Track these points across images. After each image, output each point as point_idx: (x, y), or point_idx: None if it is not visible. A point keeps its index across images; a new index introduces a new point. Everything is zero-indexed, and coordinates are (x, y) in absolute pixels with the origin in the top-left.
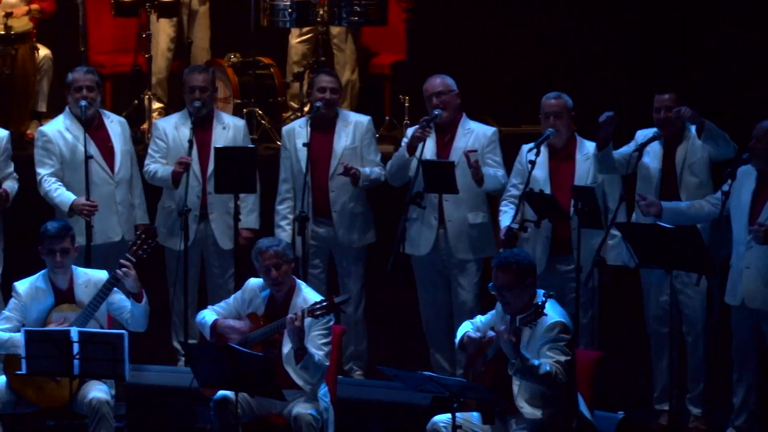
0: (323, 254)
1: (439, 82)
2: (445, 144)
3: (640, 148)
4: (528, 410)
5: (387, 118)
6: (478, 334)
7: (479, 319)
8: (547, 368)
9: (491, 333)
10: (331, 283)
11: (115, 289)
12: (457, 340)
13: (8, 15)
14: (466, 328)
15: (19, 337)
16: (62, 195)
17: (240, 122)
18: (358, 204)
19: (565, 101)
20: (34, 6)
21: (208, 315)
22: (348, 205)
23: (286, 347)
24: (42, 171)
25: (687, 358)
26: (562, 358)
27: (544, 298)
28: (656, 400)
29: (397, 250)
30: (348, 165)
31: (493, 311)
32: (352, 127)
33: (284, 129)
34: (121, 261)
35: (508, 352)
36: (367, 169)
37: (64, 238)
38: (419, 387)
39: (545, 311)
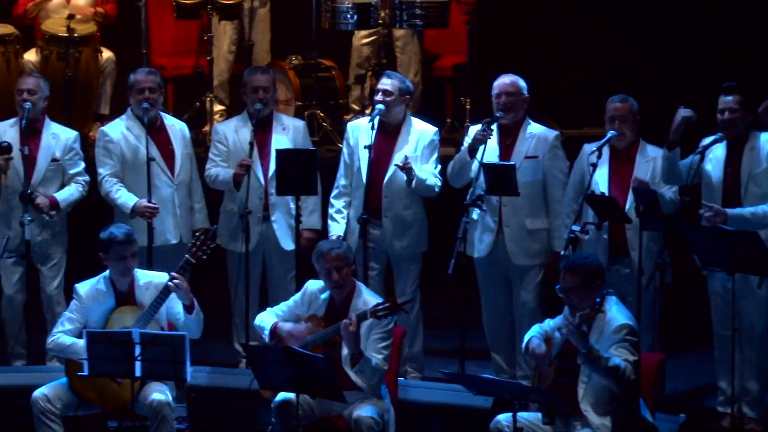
0: (380, 256)
1: (509, 82)
2: (507, 146)
3: (702, 151)
4: (592, 413)
5: (448, 120)
6: (543, 348)
7: (548, 322)
8: (616, 361)
9: (557, 334)
10: (389, 285)
11: (173, 294)
12: (523, 343)
13: (71, 17)
14: (533, 332)
15: (81, 344)
16: (124, 197)
17: (299, 123)
18: (412, 211)
19: (631, 105)
20: (99, 9)
21: (267, 319)
22: (401, 212)
23: (346, 349)
24: (103, 171)
25: (748, 361)
26: (631, 358)
27: (603, 293)
28: (719, 403)
29: (458, 252)
30: (406, 159)
31: (560, 315)
32: (417, 136)
33: (349, 125)
34: (172, 274)
35: (575, 341)
36: (423, 174)
37: (132, 244)
38: (480, 389)
39: (613, 314)
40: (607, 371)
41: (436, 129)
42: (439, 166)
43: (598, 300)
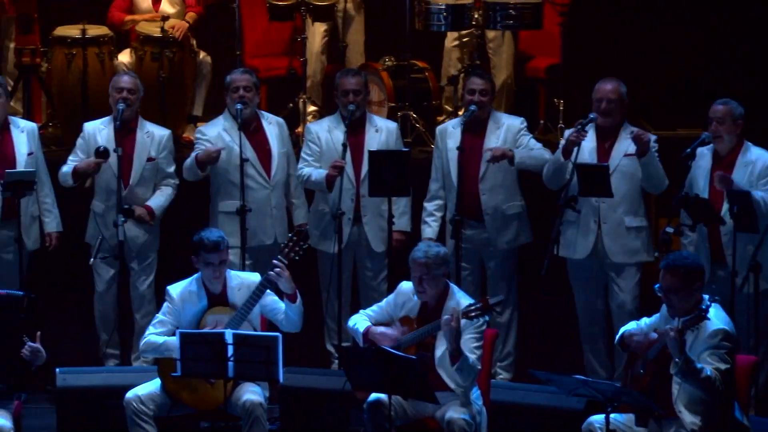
0: (473, 257)
1: (611, 88)
2: (606, 149)
3: None
4: (686, 415)
5: (542, 122)
6: (640, 338)
7: (644, 320)
8: (708, 373)
9: (653, 335)
10: (481, 286)
11: (268, 291)
12: (617, 337)
13: (165, 19)
14: (629, 328)
15: (173, 340)
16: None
17: (392, 125)
18: (512, 204)
19: (731, 108)
20: (189, 14)
21: (360, 322)
22: (501, 206)
23: (440, 350)
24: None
25: None
26: (722, 366)
27: (709, 303)
28: None
29: (552, 253)
30: (494, 151)
31: (657, 314)
32: (504, 129)
33: (438, 129)
34: (274, 262)
35: (673, 350)
36: (525, 151)
37: (222, 251)
38: (573, 391)
39: (710, 317)
40: (699, 383)
41: (522, 118)
42: (539, 144)
43: (703, 307)
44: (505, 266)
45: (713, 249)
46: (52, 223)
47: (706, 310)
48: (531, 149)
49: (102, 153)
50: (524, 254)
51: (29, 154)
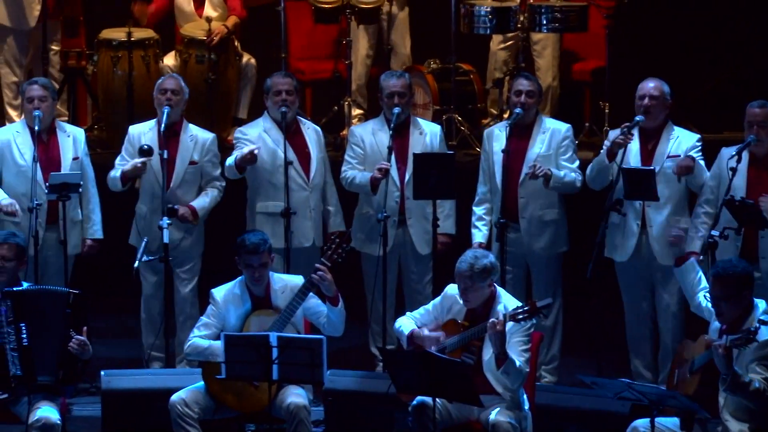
0: (518, 260)
1: (654, 85)
2: (649, 151)
3: None
4: (732, 424)
5: (587, 124)
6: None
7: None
8: (756, 385)
9: (713, 338)
10: (526, 289)
11: (311, 294)
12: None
13: (210, 21)
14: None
15: (218, 345)
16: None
17: (436, 128)
18: (550, 211)
19: None
20: (231, 18)
21: (406, 324)
22: (538, 212)
23: (487, 353)
24: (228, 160)
25: None
26: None
27: (757, 324)
28: None
29: (597, 256)
30: (535, 166)
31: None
32: (549, 134)
33: (485, 131)
34: (317, 265)
35: (720, 366)
36: (562, 172)
37: (263, 253)
38: (618, 394)
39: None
40: (748, 396)
41: (568, 125)
42: (578, 161)
43: (753, 329)
44: (549, 270)
45: (748, 249)
46: (91, 230)
47: (756, 332)
48: (563, 176)
49: (146, 151)
50: (569, 258)
51: (74, 158)
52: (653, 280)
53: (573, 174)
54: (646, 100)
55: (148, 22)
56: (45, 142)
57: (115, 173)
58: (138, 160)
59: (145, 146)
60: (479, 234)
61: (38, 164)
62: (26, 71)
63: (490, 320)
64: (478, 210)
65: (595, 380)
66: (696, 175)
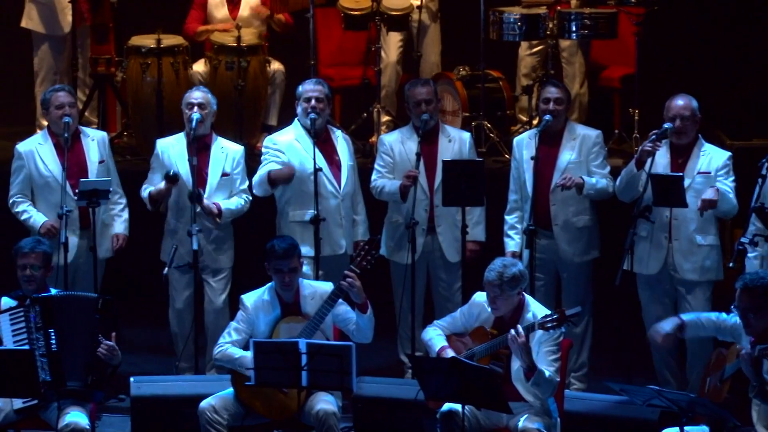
0: (548, 267)
1: (683, 104)
2: (680, 165)
3: None
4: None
5: (616, 131)
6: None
7: (714, 315)
8: None
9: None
10: (555, 296)
11: (340, 300)
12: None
13: (239, 27)
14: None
15: (248, 357)
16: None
17: (465, 135)
18: (583, 218)
19: None
20: (279, 16)
21: (436, 338)
22: (571, 219)
23: (516, 363)
24: (258, 173)
25: None
26: None
27: None
28: None
29: (625, 264)
30: (566, 178)
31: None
32: (579, 140)
33: (515, 139)
34: (346, 272)
35: (749, 375)
36: (593, 179)
37: (292, 258)
38: (647, 401)
39: None
40: None
41: (599, 131)
42: (608, 167)
43: None
44: (580, 277)
45: None
46: (120, 227)
47: None
48: (596, 182)
49: (172, 178)
50: (597, 265)
51: (100, 161)
52: (678, 294)
53: (604, 180)
54: (678, 122)
55: (189, 32)
56: (71, 149)
57: (145, 195)
58: (163, 186)
59: (171, 172)
60: (512, 243)
61: (65, 171)
62: (61, 78)
63: (510, 333)
64: (510, 219)
65: (624, 387)
66: (720, 205)
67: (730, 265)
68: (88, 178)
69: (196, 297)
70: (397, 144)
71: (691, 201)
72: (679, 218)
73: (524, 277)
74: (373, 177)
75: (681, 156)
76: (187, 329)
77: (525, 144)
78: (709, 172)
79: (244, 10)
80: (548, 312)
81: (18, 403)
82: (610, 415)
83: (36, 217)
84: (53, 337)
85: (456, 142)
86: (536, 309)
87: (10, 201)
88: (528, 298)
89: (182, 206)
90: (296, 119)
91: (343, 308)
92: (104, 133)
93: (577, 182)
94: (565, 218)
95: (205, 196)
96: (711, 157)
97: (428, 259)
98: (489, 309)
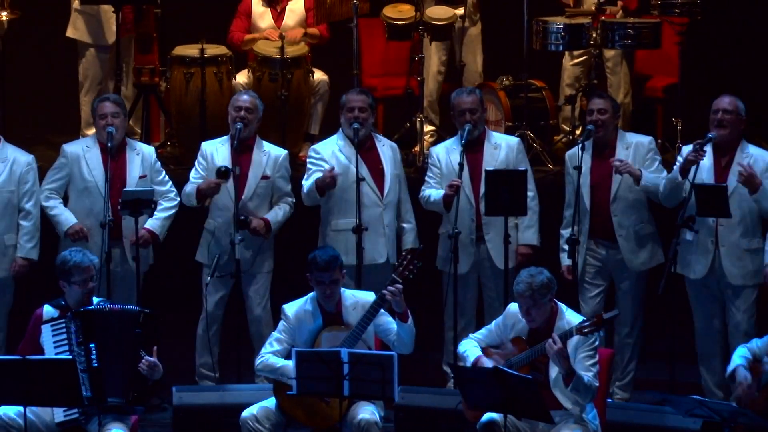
0: (604, 276)
1: (728, 100)
2: (723, 167)
3: None
4: None
5: (659, 141)
6: (749, 379)
7: (755, 343)
8: None
9: (767, 360)
10: (609, 306)
11: (382, 311)
12: (729, 368)
13: (282, 38)
14: (740, 355)
15: (290, 366)
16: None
17: (513, 141)
18: (645, 225)
19: None
20: (312, 30)
21: (471, 350)
22: (635, 227)
23: (554, 371)
24: (306, 184)
25: None
26: None
27: None
28: None
29: (669, 272)
30: (623, 162)
31: None
32: (633, 149)
33: (567, 154)
34: (389, 282)
35: None
36: (650, 175)
37: (334, 270)
38: (689, 411)
39: None
40: None
41: (650, 138)
42: (665, 171)
43: None
44: (638, 287)
45: None
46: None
47: None
48: (657, 176)
49: (223, 173)
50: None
51: (141, 176)
52: (724, 297)
53: (661, 180)
54: (720, 114)
55: (235, 41)
56: (115, 159)
57: (191, 189)
58: (213, 180)
59: (223, 168)
60: (566, 256)
61: (109, 181)
62: (105, 88)
63: (547, 342)
64: (566, 233)
65: (666, 397)
66: (762, 199)
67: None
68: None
69: (230, 302)
70: (444, 154)
71: (734, 204)
72: (725, 224)
73: (553, 282)
74: (423, 188)
75: (724, 157)
76: (213, 334)
77: (573, 157)
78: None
79: (288, 19)
80: (582, 318)
81: (59, 417)
82: (652, 425)
83: (66, 215)
84: (94, 353)
85: (503, 148)
86: (570, 316)
87: (43, 194)
88: (561, 305)
89: (222, 207)
90: (340, 129)
91: (384, 319)
92: (152, 148)
93: (633, 170)
94: (629, 226)
95: (244, 196)
96: (755, 160)
97: (478, 269)
98: (523, 319)
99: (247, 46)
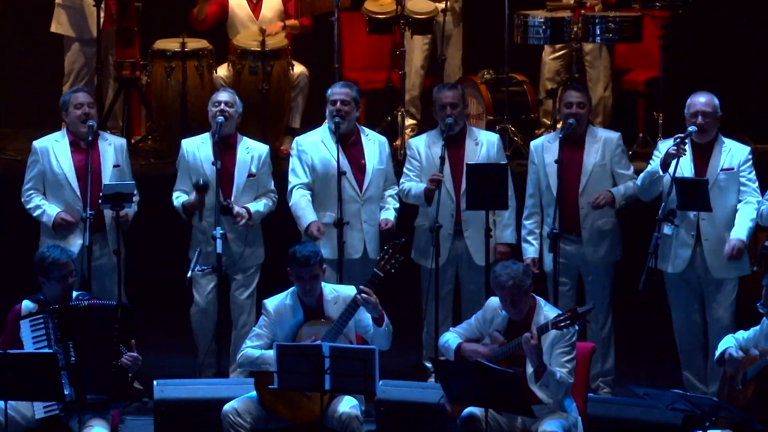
0: (571, 271)
1: (705, 101)
2: (702, 164)
3: None
4: None
5: (640, 135)
6: (741, 354)
7: (741, 335)
8: None
9: (754, 351)
10: (580, 301)
11: (361, 307)
12: (717, 353)
13: (263, 31)
14: (728, 343)
15: (270, 354)
16: (306, 210)
17: (493, 137)
18: (608, 221)
19: None
20: (291, 21)
21: (452, 339)
22: (597, 222)
23: (530, 366)
24: (293, 180)
25: None
26: None
27: None
28: None
29: (650, 266)
30: (597, 196)
31: (756, 327)
32: (602, 143)
33: (532, 144)
34: (361, 287)
35: None
36: (621, 188)
37: (313, 265)
38: (670, 405)
39: None
40: None
41: (618, 133)
42: (632, 167)
43: None
44: (604, 280)
45: None
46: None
47: None
48: (625, 178)
49: (201, 187)
50: (621, 269)
51: (115, 166)
52: (705, 292)
53: (631, 183)
54: (700, 119)
55: (204, 21)
56: (87, 151)
57: (177, 204)
58: (194, 198)
59: (201, 182)
60: (531, 249)
61: (77, 173)
62: (89, 81)
63: (525, 335)
64: (529, 224)
65: (647, 391)
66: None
67: (754, 268)
68: (101, 181)
69: (219, 297)
70: (424, 148)
71: (714, 198)
72: (707, 218)
73: (529, 269)
74: (401, 180)
75: (703, 155)
76: (208, 329)
77: (544, 148)
78: (732, 168)
79: (266, 9)
80: (559, 312)
81: (40, 412)
82: (633, 419)
83: (48, 209)
84: (72, 350)
85: (483, 144)
86: (548, 311)
87: (23, 197)
88: (539, 300)
89: (208, 205)
90: (326, 121)
91: (364, 315)
92: (123, 140)
93: (607, 200)
94: (593, 222)
95: (232, 197)
96: (732, 153)
97: (456, 263)
98: (502, 313)
99: (200, 16)
